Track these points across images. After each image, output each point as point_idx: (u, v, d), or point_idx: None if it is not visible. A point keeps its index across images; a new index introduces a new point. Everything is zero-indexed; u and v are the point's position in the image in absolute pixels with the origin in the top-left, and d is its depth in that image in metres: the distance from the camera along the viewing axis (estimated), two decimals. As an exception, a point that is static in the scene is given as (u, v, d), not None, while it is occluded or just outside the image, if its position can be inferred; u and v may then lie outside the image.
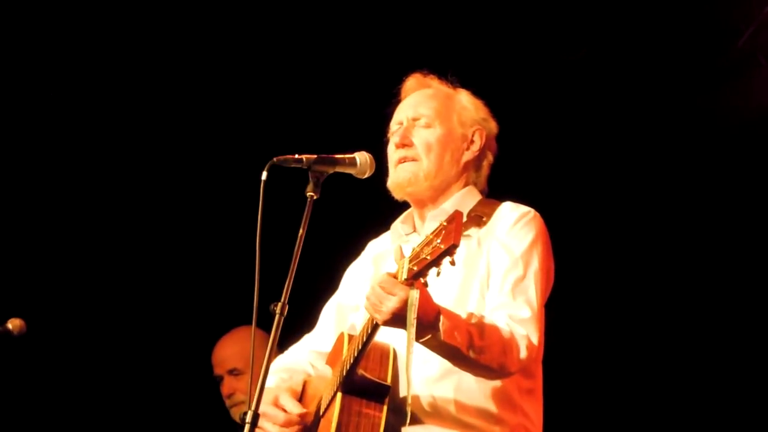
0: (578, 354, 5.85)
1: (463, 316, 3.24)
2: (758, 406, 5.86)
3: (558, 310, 3.65)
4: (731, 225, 5.98)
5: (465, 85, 3.84)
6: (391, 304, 3.07)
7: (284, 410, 3.49)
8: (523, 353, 3.28)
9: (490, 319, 3.29)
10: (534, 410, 3.49)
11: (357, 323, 3.66)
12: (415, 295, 3.01)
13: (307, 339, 3.87)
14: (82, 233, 6.56)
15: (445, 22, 5.99)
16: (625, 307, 6.09)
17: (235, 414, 5.53)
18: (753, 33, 5.59)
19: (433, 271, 2.98)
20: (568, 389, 5.48)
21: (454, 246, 2.90)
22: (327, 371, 3.65)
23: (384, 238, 3.84)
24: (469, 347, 3.17)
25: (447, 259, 2.93)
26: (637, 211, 6.14)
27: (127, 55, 6.22)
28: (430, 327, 3.12)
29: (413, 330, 3.00)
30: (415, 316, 3.00)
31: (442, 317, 3.13)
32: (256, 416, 3.13)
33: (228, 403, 5.66)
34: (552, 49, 6.02)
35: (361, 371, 3.33)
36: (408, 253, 3.09)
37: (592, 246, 6.09)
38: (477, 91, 3.85)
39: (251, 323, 3.22)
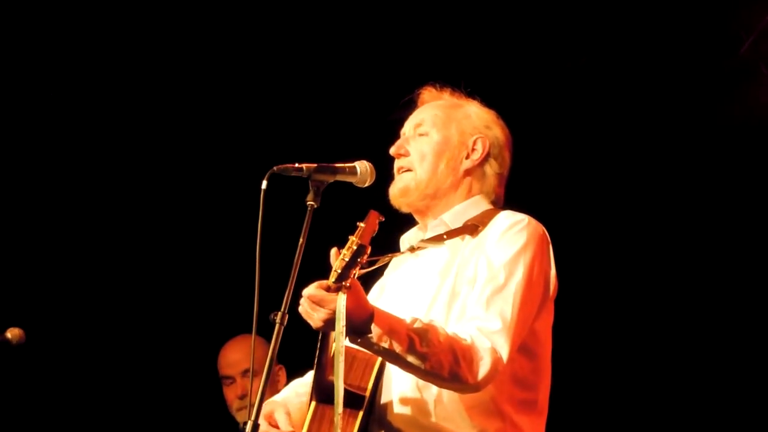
0: (582, 360, 5.84)
1: (408, 321, 3.20)
2: (758, 406, 5.86)
3: (562, 316, 3.62)
4: (734, 232, 5.98)
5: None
6: (320, 315, 3.08)
7: (276, 426, 3.43)
8: (485, 365, 3.20)
9: (449, 328, 3.25)
10: (530, 423, 3.42)
11: None
12: (341, 302, 3.01)
13: None
14: (83, 242, 6.56)
15: (446, 32, 5.99)
16: (628, 314, 6.10)
17: (242, 416, 5.51)
18: (754, 41, 5.60)
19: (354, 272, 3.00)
20: (571, 394, 5.49)
21: (363, 246, 2.95)
22: None
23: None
24: (409, 352, 3.13)
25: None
26: (640, 218, 6.14)
27: (128, 62, 6.23)
28: (361, 330, 3.11)
29: (342, 338, 3.00)
30: (344, 324, 3.00)
31: (374, 320, 3.11)
32: (256, 426, 3.11)
33: (237, 405, 5.63)
34: (553, 57, 6.03)
35: (331, 378, 3.25)
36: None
37: (595, 252, 6.09)
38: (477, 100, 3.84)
39: (251, 332, 3.22)
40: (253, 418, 3.12)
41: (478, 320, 3.27)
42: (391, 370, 3.36)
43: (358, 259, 2.97)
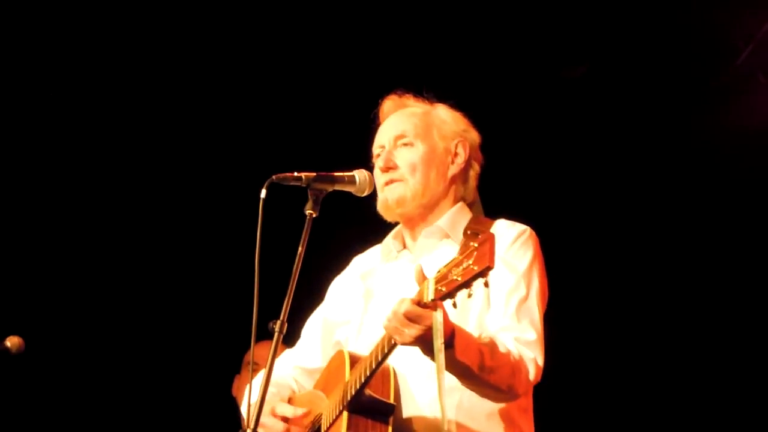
0: (570, 368, 5.85)
1: (475, 335, 3.24)
2: (756, 408, 5.88)
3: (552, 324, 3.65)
4: (732, 240, 5.99)
5: (464, 105, 3.83)
6: (412, 331, 3.05)
7: (284, 418, 3.46)
8: (531, 375, 3.30)
9: (498, 340, 3.30)
10: (529, 428, 3.51)
11: (343, 340, 3.66)
12: (439, 319, 2.98)
13: (290, 354, 3.83)
14: (83, 251, 6.56)
15: (446, 43, 6.00)
16: (617, 324, 6.11)
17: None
18: (752, 51, 5.61)
19: (463, 292, 2.93)
20: (563, 401, 5.52)
21: (489, 268, 2.84)
22: (310, 388, 3.66)
23: (370, 254, 3.84)
24: (480, 366, 3.17)
25: (480, 281, 2.87)
26: (636, 229, 6.15)
27: (129, 70, 6.23)
28: (445, 345, 3.09)
29: (442, 356, 2.97)
30: (442, 341, 2.97)
31: (456, 335, 3.12)
32: (256, 432, 3.14)
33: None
34: (552, 67, 6.04)
35: (368, 391, 3.31)
36: (431, 273, 3.04)
37: (593, 263, 6.11)
38: (476, 110, 3.85)
39: (250, 341, 3.22)
40: (252, 426, 3.13)
41: (514, 331, 3.34)
42: (408, 380, 3.40)
43: (477, 280, 2.88)
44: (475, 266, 2.85)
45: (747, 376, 5.95)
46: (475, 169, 3.71)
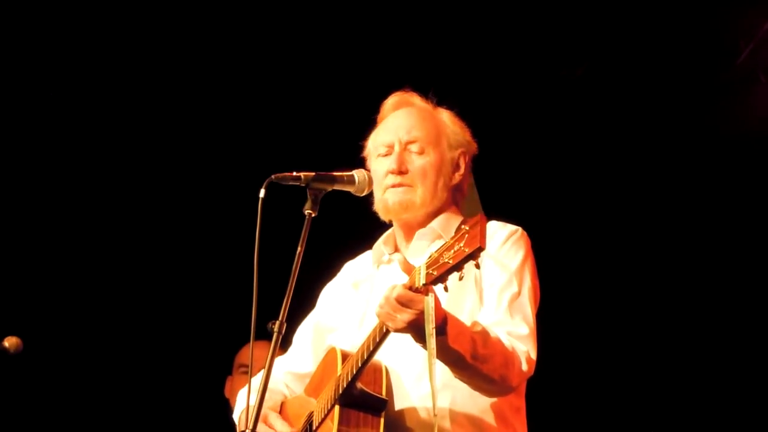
0: (562, 368, 5.85)
1: (469, 324, 3.25)
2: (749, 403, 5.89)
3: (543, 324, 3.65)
4: (732, 241, 5.99)
5: (463, 105, 3.82)
6: (404, 316, 3.06)
7: (274, 430, 3.48)
8: (524, 367, 3.32)
9: (491, 330, 3.31)
10: (522, 428, 3.53)
11: (335, 344, 3.64)
12: (430, 303, 2.98)
13: (282, 359, 3.83)
14: (82, 250, 6.55)
15: (445, 43, 6.00)
16: (609, 325, 6.11)
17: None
18: (753, 50, 5.60)
19: (454, 276, 2.93)
20: (554, 401, 5.52)
21: (480, 249, 2.85)
22: (301, 393, 3.67)
23: (362, 260, 3.84)
24: (473, 355, 3.18)
25: (471, 263, 2.88)
26: (637, 228, 6.15)
27: (128, 69, 6.23)
28: (438, 332, 3.10)
29: (433, 340, 2.98)
30: (434, 326, 2.97)
31: (448, 322, 3.13)
32: (254, 436, 3.12)
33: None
34: (552, 65, 6.03)
35: (360, 385, 3.32)
36: (418, 262, 3.05)
37: (594, 264, 6.10)
38: (475, 110, 3.84)
39: (249, 341, 3.21)
40: (251, 427, 3.12)
41: (506, 325, 3.35)
42: (401, 377, 3.40)
43: (468, 262, 2.88)
44: (466, 248, 2.87)
45: (740, 373, 5.95)
46: (469, 181, 3.74)
